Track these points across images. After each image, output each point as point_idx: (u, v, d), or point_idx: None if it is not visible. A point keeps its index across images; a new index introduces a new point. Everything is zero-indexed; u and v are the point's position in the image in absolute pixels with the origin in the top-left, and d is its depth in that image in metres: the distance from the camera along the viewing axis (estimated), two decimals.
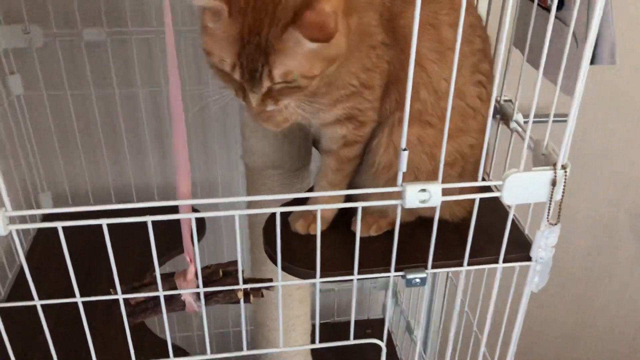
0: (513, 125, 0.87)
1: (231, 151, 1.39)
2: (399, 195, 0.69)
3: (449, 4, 0.76)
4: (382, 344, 0.83)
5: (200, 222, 1.29)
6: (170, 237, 1.03)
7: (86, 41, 1.21)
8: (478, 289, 0.98)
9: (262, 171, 0.98)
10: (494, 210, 0.85)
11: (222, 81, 0.69)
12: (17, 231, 1.21)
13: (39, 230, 1.30)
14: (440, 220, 0.87)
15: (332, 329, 1.65)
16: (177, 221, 1.24)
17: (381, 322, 1.69)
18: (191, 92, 1.25)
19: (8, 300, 1.12)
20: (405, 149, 0.66)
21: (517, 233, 0.85)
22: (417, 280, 0.77)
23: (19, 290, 1.15)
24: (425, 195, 0.69)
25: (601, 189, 1.70)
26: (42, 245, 1.25)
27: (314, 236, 0.79)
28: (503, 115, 0.90)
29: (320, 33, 0.60)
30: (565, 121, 1.54)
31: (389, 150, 0.77)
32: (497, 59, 0.98)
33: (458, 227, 0.86)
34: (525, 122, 0.84)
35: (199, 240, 1.25)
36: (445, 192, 0.70)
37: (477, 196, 0.73)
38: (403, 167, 0.67)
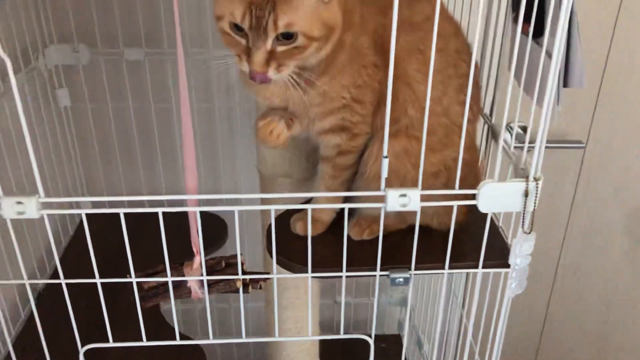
0: (501, 143, 0.93)
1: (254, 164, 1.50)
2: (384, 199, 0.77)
3: None
4: (370, 340, 0.90)
5: (223, 228, 1.40)
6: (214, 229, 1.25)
7: (127, 60, 1.34)
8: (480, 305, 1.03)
9: (273, 179, 1.07)
10: (481, 220, 0.91)
11: (228, 46, 0.76)
12: (56, 224, 1.34)
13: (77, 229, 1.42)
14: (429, 229, 0.94)
15: (346, 342, 1.71)
16: (214, 222, 1.37)
17: (396, 337, 1.74)
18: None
19: (45, 290, 1.24)
20: (386, 157, 0.74)
21: (500, 241, 0.91)
22: (401, 279, 0.84)
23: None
24: (406, 200, 0.76)
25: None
26: (80, 244, 1.37)
27: (312, 237, 0.88)
28: (493, 134, 0.97)
29: None
30: (577, 147, 1.58)
31: (379, 161, 0.85)
32: (484, 81, 1.06)
33: (446, 235, 0.93)
34: (524, 146, 0.90)
35: (222, 244, 1.36)
36: (432, 200, 0.78)
37: (455, 203, 0.80)
38: (385, 173, 0.75)
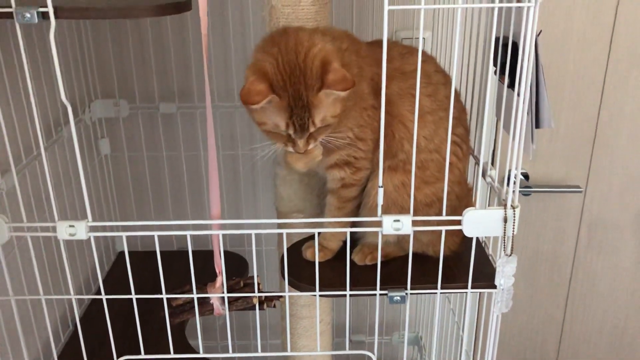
0: (488, 179, 1.05)
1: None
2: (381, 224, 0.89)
3: (426, 79, 0.98)
4: (374, 356, 1.00)
5: (245, 267, 1.52)
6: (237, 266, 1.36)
7: (161, 113, 1.51)
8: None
9: (289, 215, 1.20)
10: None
11: (272, 139, 0.93)
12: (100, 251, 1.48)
13: (113, 265, 1.56)
14: (426, 256, 1.06)
15: None
16: (237, 261, 1.49)
17: None
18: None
19: (83, 317, 1.36)
20: (381, 186, 0.86)
21: (489, 267, 1.01)
22: (398, 298, 0.95)
23: (97, 302, 1.38)
24: (399, 225, 0.88)
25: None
26: (115, 278, 1.50)
27: (321, 262, 1.00)
28: (482, 171, 1.09)
29: (346, 83, 0.85)
30: (575, 192, 1.67)
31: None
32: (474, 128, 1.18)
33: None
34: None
35: (245, 275, 1.47)
36: (424, 225, 0.90)
37: (443, 228, 0.91)
38: (381, 200, 0.87)
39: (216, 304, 0.96)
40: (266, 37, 0.94)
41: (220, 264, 0.94)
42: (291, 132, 0.89)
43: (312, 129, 0.89)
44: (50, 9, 0.75)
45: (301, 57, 0.87)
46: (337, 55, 0.89)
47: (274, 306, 0.99)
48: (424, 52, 1.05)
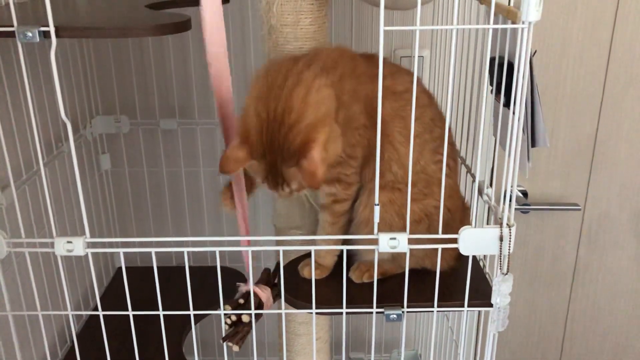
0: (485, 198, 1.05)
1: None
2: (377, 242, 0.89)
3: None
4: None
5: (241, 281, 1.51)
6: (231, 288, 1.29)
7: (162, 129, 1.52)
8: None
9: (287, 231, 1.21)
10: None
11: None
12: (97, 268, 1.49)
13: (110, 283, 1.56)
14: (423, 274, 1.06)
15: None
16: (236, 277, 1.50)
17: None
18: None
19: (86, 324, 1.37)
20: (377, 204, 0.87)
21: (486, 285, 1.01)
22: (394, 316, 0.95)
23: (96, 317, 1.38)
24: (395, 242, 0.88)
25: None
26: (112, 295, 1.51)
27: (318, 280, 1.00)
28: (479, 190, 1.09)
29: (313, 180, 0.83)
30: (574, 209, 1.67)
31: (367, 208, 0.98)
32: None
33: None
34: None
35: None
36: (419, 243, 0.91)
37: (439, 246, 0.92)
38: (377, 218, 0.88)
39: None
40: (261, 76, 0.89)
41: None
42: (266, 186, 0.90)
43: (286, 191, 0.90)
44: (51, 29, 0.76)
45: (284, 130, 0.84)
46: (326, 119, 0.85)
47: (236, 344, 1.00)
48: (407, 71, 1.05)
